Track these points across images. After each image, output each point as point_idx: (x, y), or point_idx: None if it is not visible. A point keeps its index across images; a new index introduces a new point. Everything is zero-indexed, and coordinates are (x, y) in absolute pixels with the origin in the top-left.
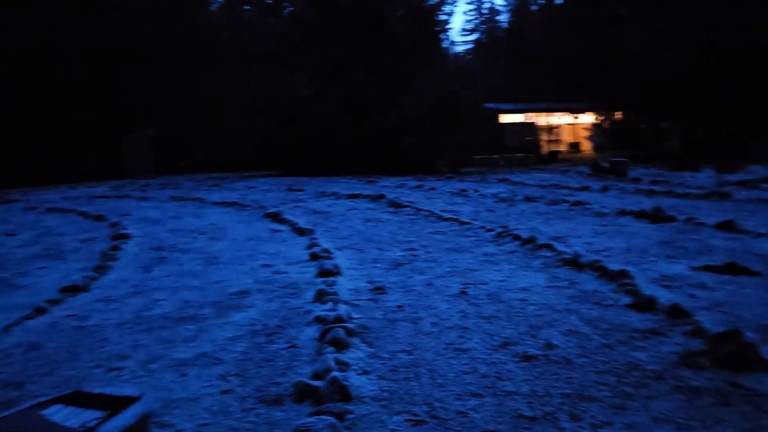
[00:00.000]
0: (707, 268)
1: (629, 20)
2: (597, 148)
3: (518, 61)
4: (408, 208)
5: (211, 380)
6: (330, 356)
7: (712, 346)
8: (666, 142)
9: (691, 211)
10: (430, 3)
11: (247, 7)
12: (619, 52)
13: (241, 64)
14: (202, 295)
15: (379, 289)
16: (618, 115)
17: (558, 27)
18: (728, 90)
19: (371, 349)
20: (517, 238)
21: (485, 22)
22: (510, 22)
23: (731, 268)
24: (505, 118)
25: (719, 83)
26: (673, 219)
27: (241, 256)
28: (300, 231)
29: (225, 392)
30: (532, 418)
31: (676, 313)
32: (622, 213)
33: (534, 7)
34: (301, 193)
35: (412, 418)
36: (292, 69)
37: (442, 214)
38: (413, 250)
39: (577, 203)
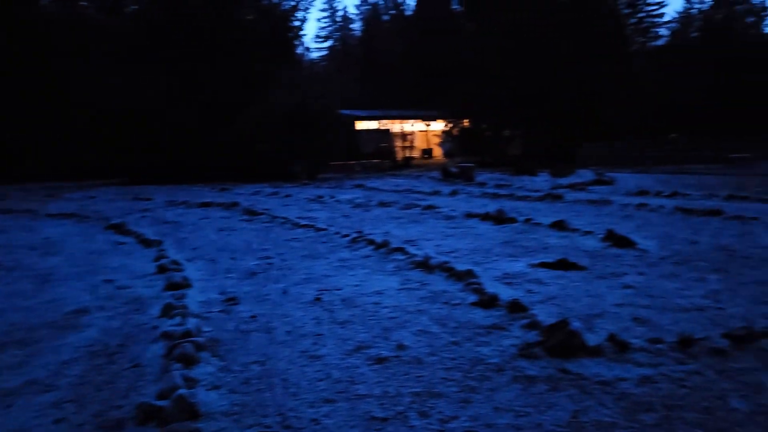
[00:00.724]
0: (543, 265)
1: (474, 35)
2: (447, 154)
3: (372, 69)
4: (263, 216)
5: (41, 409)
6: (177, 373)
7: (545, 336)
8: (509, 149)
9: (529, 212)
10: (283, 8)
11: (84, 3)
12: (466, 65)
13: (82, 66)
14: (32, 315)
15: (232, 300)
16: (466, 123)
17: (409, 38)
18: (559, 103)
19: (222, 363)
20: (371, 242)
21: (339, 29)
22: (363, 31)
23: (563, 264)
24: (360, 125)
25: (552, 97)
26: (513, 220)
27: (79, 272)
28: (147, 242)
29: (58, 421)
30: (384, 419)
31: (515, 308)
32: (469, 215)
33: (386, 18)
34: (148, 202)
35: (264, 430)
36: (139, 71)
37: (298, 220)
38: (268, 258)
39: (429, 207)
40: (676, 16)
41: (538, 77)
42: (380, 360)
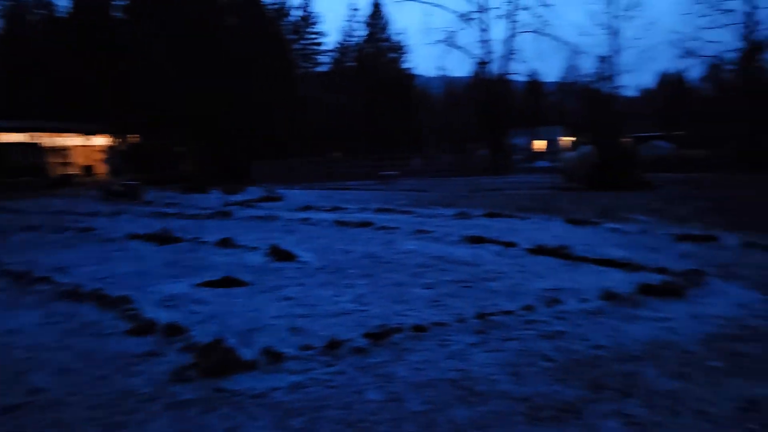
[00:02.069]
0: (207, 284)
1: (138, 46)
2: (113, 171)
3: (20, 75)
4: None
5: None
6: None
7: (201, 357)
8: (181, 165)
9: (197, 230)
10: None
11: None
12: (130, 76)
13: None
14: None
15: None
16: (134, 138)
17: (66, 43)
18: (229, 119)
19: None
20: (7, 273)
21: None
22: (6, 30)
23: (226, 282)
24: (4, 138)
25: (222, 113)
26: (179, 240)
27: None
28: None
29: None
30: None
31: (173, 331)
32: (132, 237)
33: (35, 18)
34: None
35: None
36: None
37: None
38: None
39: (86, 229)
40: (335, 46)
41: (207, 93)
42: (7, 410)
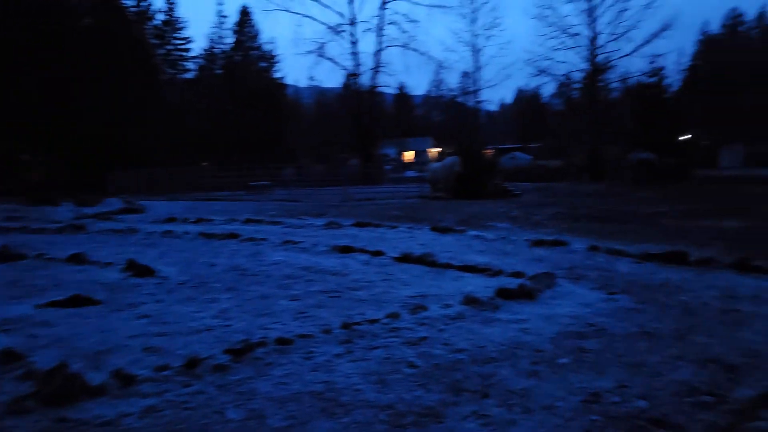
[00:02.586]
0: (53, 304)
1: None
2: None
3: None
4: None
5: None
6: None
7: (41, 385)
8: (28, 175)
9: (44, 246)
10: None
11: None
12: None
13: None
14: None
15: None
16: None
17: None
18: (83, 127)
19: None
20: None
21: None
22: None
23: (76, 301)
24: None
25: (75, 119)
26: (23, 256)
27: None
28: None
29: None
30: None
31: (9, 358)
32: None
33: None
34: None
35: None
36: None
37: None
38: None
39: None
40: (202, 52)
41: (57, 97)
42: None
